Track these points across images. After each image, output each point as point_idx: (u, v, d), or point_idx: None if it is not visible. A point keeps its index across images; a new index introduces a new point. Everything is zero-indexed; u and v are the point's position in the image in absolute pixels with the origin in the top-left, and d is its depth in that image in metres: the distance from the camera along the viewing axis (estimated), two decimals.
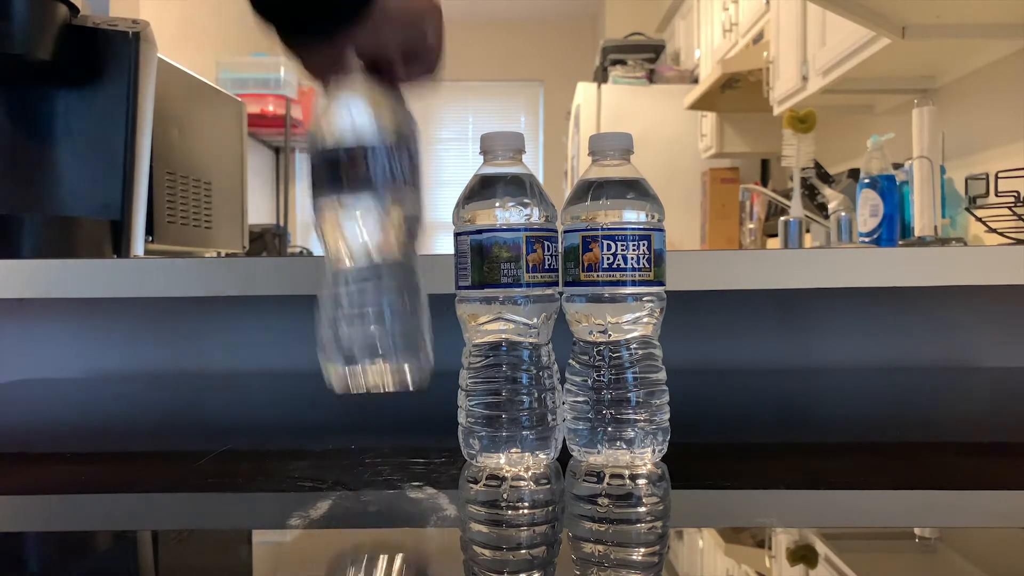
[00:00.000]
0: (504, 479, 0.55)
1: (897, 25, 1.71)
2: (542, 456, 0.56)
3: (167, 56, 1.33)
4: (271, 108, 4.37)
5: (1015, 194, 1.32)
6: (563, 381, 0.60)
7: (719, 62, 3.13)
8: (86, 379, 1.06)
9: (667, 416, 0.58)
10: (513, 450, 0.56)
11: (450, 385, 0.60)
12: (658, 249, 0.57)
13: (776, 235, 2.19)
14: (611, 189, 0.58)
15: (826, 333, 1.06)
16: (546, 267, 0.56)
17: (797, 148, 1.90)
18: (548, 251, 0.56)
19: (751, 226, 3.32)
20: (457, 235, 0.57)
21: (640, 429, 0.56)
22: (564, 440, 0.59)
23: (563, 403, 0.59)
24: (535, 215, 0.56)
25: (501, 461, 0.56)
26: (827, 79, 2.25)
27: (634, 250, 0.56)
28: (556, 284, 0.58)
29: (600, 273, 0.56)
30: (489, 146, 0.58)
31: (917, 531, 0.51)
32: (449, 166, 5.81)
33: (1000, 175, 1.34)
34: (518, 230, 0.55)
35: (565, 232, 0.58)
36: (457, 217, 0.58)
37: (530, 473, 0.56)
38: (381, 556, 0.45)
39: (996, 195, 1.35)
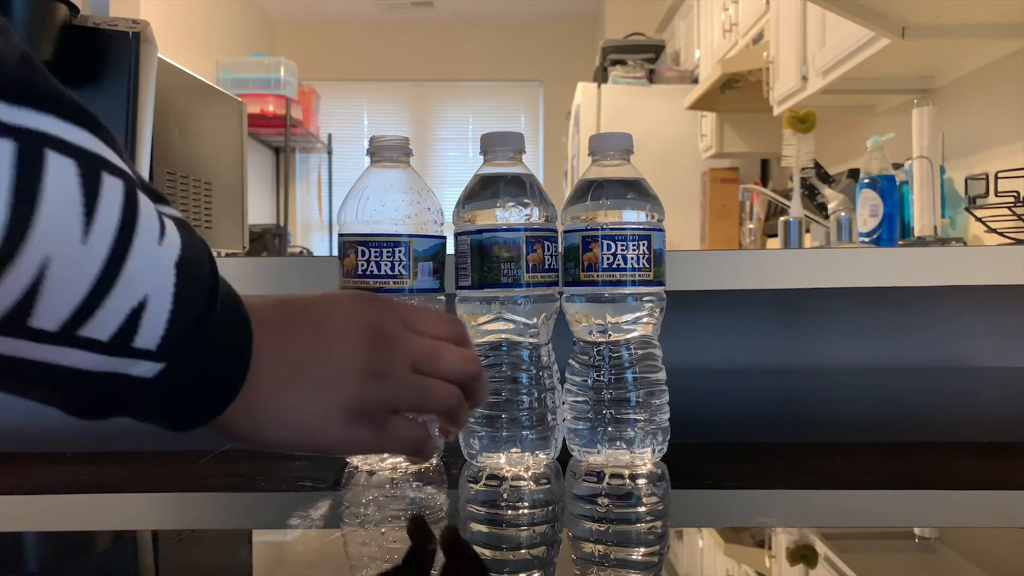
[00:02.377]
0: (504, 479, 0.55)
1: (897, 25, 1.71)
2: (542, 456, 0.56)
3: (167, 56, 1.33)
4: (271, 108, 4.37)
5: (1015, 194, 1.32)
6: (563, 381, 0.60)
7: (719, 62, 3.13)
8: None
9: (667, 416, 0.58)
10: (513, 450, 0.56)
11: None
12: (658, 249, 0.57)
13: (776, 235, 2.19)
14: (611, 189, 0.58)
15: (826, 333, 1.06)
16: (546, 267, 0.56)
17: (797, 148, 1.90)
18: (548, 251, 0.56)
19: (751, 226, 3.32)
20: (457, 235, 0.57)
21: (640, 429, 0.56)
22: (564, 440, 0.59)
23: (563, 403, 0.59)
24: (535, 215, 0.56)
25: (501, 461, 0.56)
26: (827, 79, 2.25)
27: (634, 250, 0.56)
28: (556, 284, 0.58)
29: (600, 273, 0.56)
30: (489, 146, 0.58)
31: (916, 531, 0.51)
32: (449, 166, 5.81)
33: (1000, 175, 1.34)
34: (518, 230, 0.55)
35: (565, 232, 0.58)
36: (457, 217, 0.58)
37: (530, 473, 0.56)
38: (381, 556, 0.45)
39: (996, 195, 1.35)
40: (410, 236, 0.57)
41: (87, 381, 0.34)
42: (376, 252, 0.56)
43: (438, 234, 0.59)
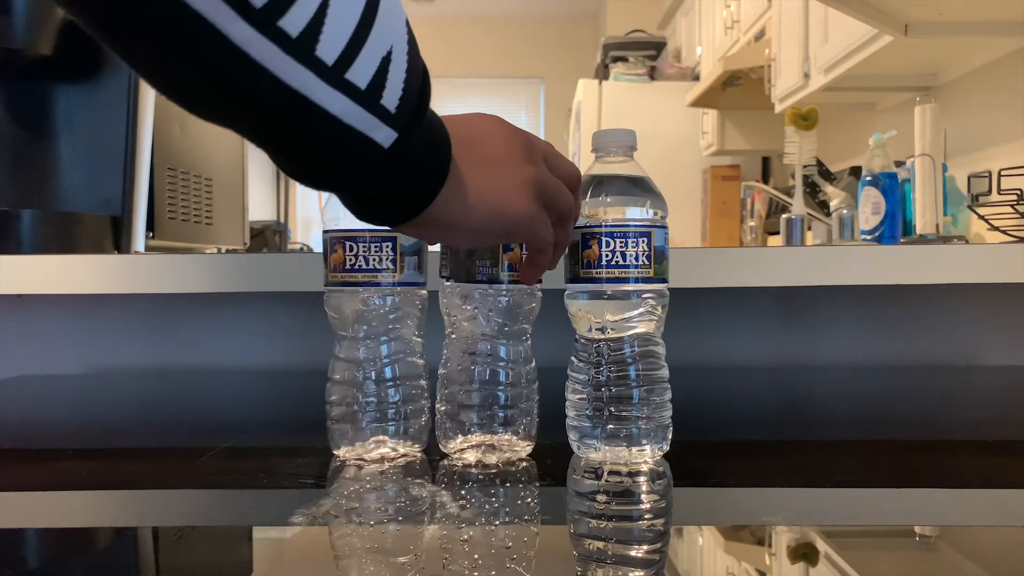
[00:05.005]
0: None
1: (900, 22, 1.71)
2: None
3: None
4: None
5: (1018, 192, 1.32)
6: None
7: (720, 59, 3.13)
8: (86, 375, 1.06)
9: (668, 413, 0.58)
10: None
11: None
12: (659, 246, 0.57)
13: (777, 233, 2.19)
14: (612, 185, 0.57)
15: (828, 331, 1.06)
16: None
17: (799, 145, 1.90)
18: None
19: (752, 224, 3.32)
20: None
21: (640, 426, 0.56)
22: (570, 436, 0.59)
23: (565, 399, 0.59)
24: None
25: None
26: (829, 76, 2.25)
27: (633, 247, 0.55)
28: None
29: (599, 270, 0.56)
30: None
31: (918, 529, 0.51)
32: None
33: (1003, 173, 1.34)
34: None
35: None
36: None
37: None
38: (381, 554, 0.45)
39: (999, 193, 1.35)
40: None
41: (338, 132, 0.37)
42: (364, 247, 0.57)
43: None
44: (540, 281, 0.57)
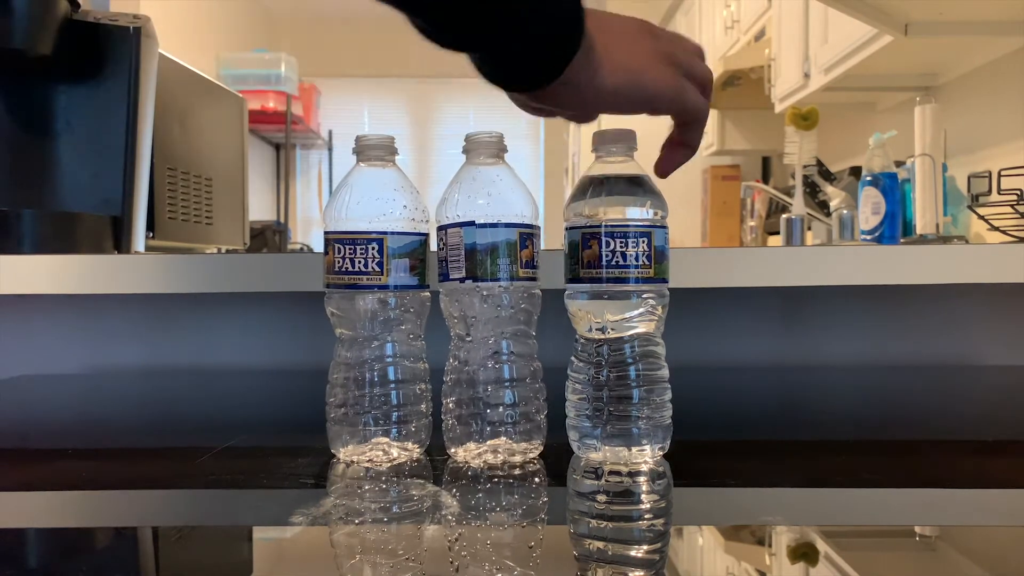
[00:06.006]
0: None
1: (900, 22, 1.71)
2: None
3: (168, 51, 1.33)
4: (272, 104, 4.36)
5: (1018, 192, 1.32)
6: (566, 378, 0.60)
7: (720, 59, 3.13)
8: (86, 375, 1.06)
9: (669, 413, 0.58)
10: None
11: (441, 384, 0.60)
12: (659, 246, 0.57)
13: (777, 233, 2.19)
14: (612, 186, 0.57)
15: (828, 331, 1.06)
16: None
17: (799, 145, 1.90)
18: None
19: (752, 223, 3.32)
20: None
21: (640, 426, 0.56)
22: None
23: (566, 399, 0.59)
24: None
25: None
26: (829, 76, 2.25)
27: (634, 247, 0.55)
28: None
29: (599, 270, 0.56)
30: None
31: (917, 529, 0.51)
32: (450, 162, 5.80)
33: (1003, 173, 1.34)
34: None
35: (567, 229, 0.58)
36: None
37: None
38: (381, 554, 0.45)
39: (999, 193, 1.35)
40: (383, 233, 0.58)
41: None
42: (351, 249, 0.58)
43: (415, 231, 0.59)
44: None
